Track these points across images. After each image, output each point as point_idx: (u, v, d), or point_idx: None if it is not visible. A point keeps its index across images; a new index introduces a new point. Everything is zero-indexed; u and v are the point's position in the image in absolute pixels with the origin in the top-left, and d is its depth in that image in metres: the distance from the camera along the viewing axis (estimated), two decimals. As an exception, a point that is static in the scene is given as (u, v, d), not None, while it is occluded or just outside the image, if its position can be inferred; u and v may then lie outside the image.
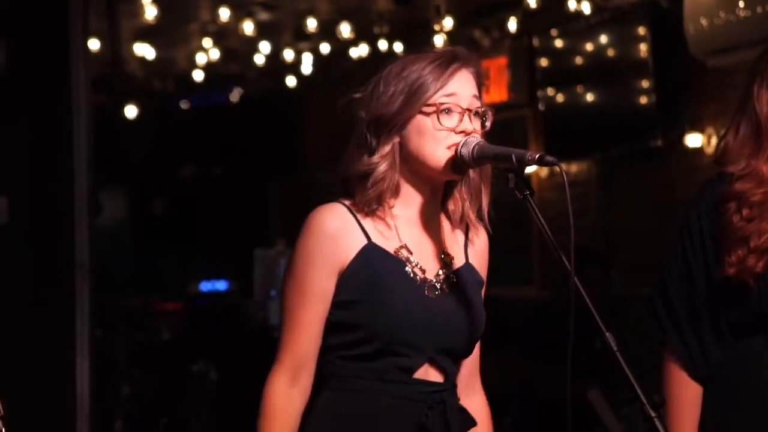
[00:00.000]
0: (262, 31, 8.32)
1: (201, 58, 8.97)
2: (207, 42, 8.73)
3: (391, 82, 2.40)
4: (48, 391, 4.77)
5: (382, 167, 2.39)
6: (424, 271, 2.43)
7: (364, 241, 2.39)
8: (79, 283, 4.88)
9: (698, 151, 6.89)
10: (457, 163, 2.38)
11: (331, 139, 3.77)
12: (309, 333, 2.39)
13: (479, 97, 2.43)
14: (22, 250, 4.83)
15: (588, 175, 7.84)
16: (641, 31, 7.19)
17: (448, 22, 7.74)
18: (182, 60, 9.32)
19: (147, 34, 8.39)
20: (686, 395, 2.77)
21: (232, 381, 7.15)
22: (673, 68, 6.95)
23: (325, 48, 8.71)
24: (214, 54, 8.88)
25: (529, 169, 2.35)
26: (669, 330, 2.78)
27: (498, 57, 8.31)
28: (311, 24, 8.04)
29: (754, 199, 2.68)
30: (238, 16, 7.96)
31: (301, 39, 8.68)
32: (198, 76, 9.38)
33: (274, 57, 8.92)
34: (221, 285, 9.62)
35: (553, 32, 7.89)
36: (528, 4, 7.46)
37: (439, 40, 7.69)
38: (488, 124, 2.43)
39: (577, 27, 7.68)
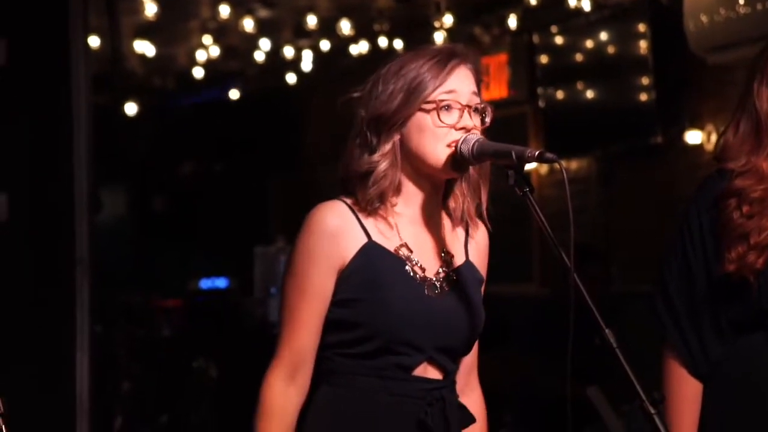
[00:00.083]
0: (262, 28, 8.32)
1: (201, 55, 8.97)
2: (207, 39, 8.72)
3: (390, 81, 2.40)
4: (48, 388, 4.77)
5: (383, 165, 2.39)
6: (424, 270, 2.43)
7: (365, 240, 2.39)
8: (79, 279, 4.88)
9: (698, 148, 6.89)
10: (457, 160, 2.38)
11: (331, 136, 3.76)
12: (308, 330, 2.39)
13: (478, 94, 2.43)
14: (22, 246, 4.83)
15: (588, 172, 7.84)
16: (641, 28, 7.19)
17: (448, 19, 7.73)
18: (182, 57, 9.32)
19: (147, 31, 8.39)
20: (686, 392, 2.77)
21: (232, 378, 7.16)
22: (673, 65, 6.95)
23: (325, 45, 8.71)
24: (214, 51, 8.87)
25: (529, 166, 2.35)
26: (669, 327, 2.78)
27: (498, 54, 8.31)
28: (311, 21, 8.04)
29: (754, 196, 2.68)
30: (238, 13, 7.96)
31: (301, 36, 8.67)
32: (198, 73, 9.37)
33: (274, 54, 8.92)
34: (221, 282, 9.63)
35: (553, 29, 7.88)
36: (528, 1, 7.46)
37: (439, 37, 7.69)
38: (488, 120, 2.43)
39: (577, 24, 7.67)
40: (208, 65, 9.22)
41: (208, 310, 8.66)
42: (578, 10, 7.37)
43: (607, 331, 2.23)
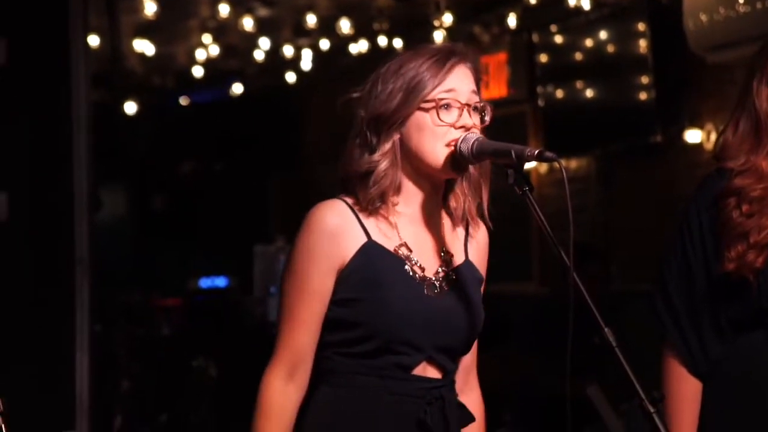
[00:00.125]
0: (262, 27, 8.33)
1: (201, 54, 8.97)
2: (207, 38, 8.73)
3: (389, 80, 2.40)
4: (47, 387, 4.77)
5: (384, 165, 2.39)
6: (423, 269, 2.43)
7: (364, 239, 2.39)
8: (79, 278, 4.88)
9: (698, 147, 6.89)
10: (457, 159, 2.38)
11: (331, 135, 3.77)
12: (307, 329, 2.39)
13: (478, 92, 2.43)
14: (22, 245, 4.83)
15: (587, 171, 7.84)
16: (641, 26, 7.19)
17: (447, 18, 7.73)
18: (182, 56, 9.32)
19: (147, 30, 8.39)
20: (686, 391, 2.77)
21: (232, 377, 7.16)
22: (672, 64, 6.95)
23: (324, 44, 8.71)
24: (214, 50, 8.88)
25: (529, 165, 2.35)
26: (668, 326, 2.78)
27: (497, 53, 8.31)
28: (311, 20, 8.04)
29: (754, 195, 2.68)
30: (237, 12, 7.96)
31: (301, 35, 8.68)
32: (198, 72, 9.38)
33: (274, 53, 8.92)
34: (221, 281, 9.64)
35: (553, 28, 7.89)
36: (527, 0, 7.46)
37: (438, 36, 7.69)
38: (487, 118, 2.43)
39: (576, 23, 7.68)
40: (208, 64, 9.23)
41: (208, 309, 8.67)
42: (578, 9, 7.38)
43: (606, 330, 2.23)
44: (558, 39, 7.92)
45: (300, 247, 2.40)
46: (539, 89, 8.04)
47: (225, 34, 8.63)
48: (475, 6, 8.02)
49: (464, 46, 2.47)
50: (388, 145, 2.40)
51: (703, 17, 6.04)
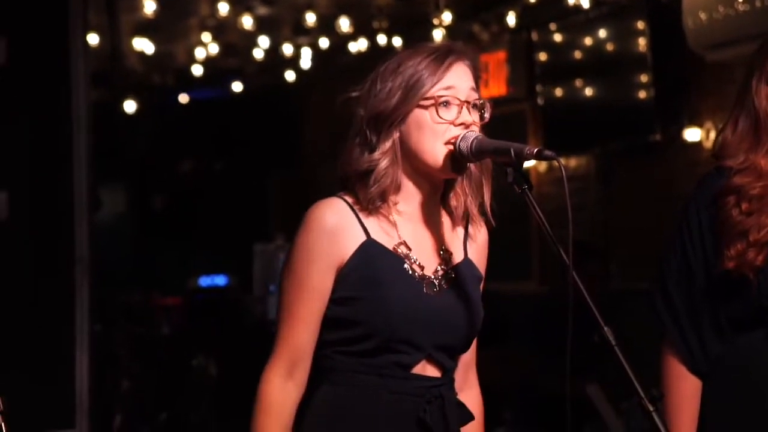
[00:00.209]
0: (261, 26, 8.32)
1: (200, 53, 8.97)
2: (206, 36, 8.72)
3: (388, 78, 2.40)
4: (47, 386, 4.77)
5: (384, 163, 2.39)
6: (422, 268, 2.43)
7: (363, 237, 2.39)
8: (79, 278, 4.88)
9: (697, 146, 6.89)
10: (456, 159, 2.38)
11: (331, 133, 3.77)
12: (306, 327, 2.39)
13: (477, 90, 2.43)
14: (22, 245, 4.83)
15: (587, 170, 7.84)
16: (640, 25, 7.19)
17: (447, 17, 7.73)
18: (181, 54, 9.32)
19: (146, 28, 8.39)
20: (685, 389, 2.77)
21: (232, 375, 7.17)
22: (671, 62, 6.95)
23: (324, 42, 8.71)
24: (213, 48, 8.87)
25: (528, 164, 2.35)
26: (668, 324, 2.78)
27: (497, 51, 8.30)
28: (310, 18, 8.04)
29: (753, 193, 2.68)
30: (237, 10, 7.96)
31: (300, 33, 8.68)
32: (197, 70, 9.38)
33: (273, 51, 8.92)
34: (220, 280, 9.65)
35: (552, 26, 7.88)
36: (527, -1, 7.47)
37: (438, 35, 7.69)
38: (487, 115, 2.43)
39: (576, 21, 7.67)
40: (208, 63, 9.23)
41: (208, 308, 8.67)
42: (577, 8, 7.37)
43: (606, 328, 2.23)
44: (557, 37, 7.92)
45: (299, 245, 2.40)
46: (538, 88, 8.03)
47: (224, 33, 8.63)
48: (474, 4, 8.02)
49: (463, 44, 2.47)
50: (388, 144, 2.40)
51: (703, 15, 6.04)
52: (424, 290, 2.41)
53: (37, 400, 4.55)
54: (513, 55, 8.25)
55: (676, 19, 6.30)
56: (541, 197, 5.82)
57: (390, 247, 2.40)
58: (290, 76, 9.56)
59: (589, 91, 7.79)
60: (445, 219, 2.51)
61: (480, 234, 2.54)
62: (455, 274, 2.46)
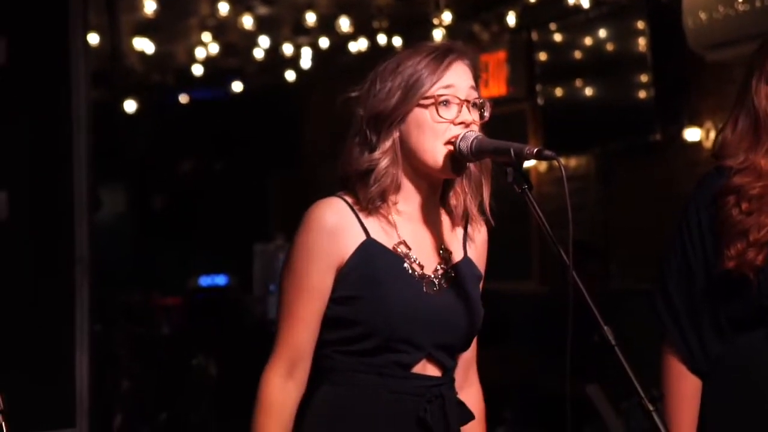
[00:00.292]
0: (261, 26, 8.32)
1: (200, 53, 8.97)
2: (206, 36, 8.72)
3: (388, 78, 2.41)
4: (47, 386, 4.77)
5: (384, 163, 2.39)
6: (422, 267, 2.43)
7: (363, 237, 2.39)
8: (79, 278, 4.88)
9: (697, 146, 6.89)
10: (456, 159, 2.38)
11: (331, 133, 3.77)
12: (306, 327, 2.40)
13: (476, 89, 2.44)
14: (22, 245, 4.82)
15: (587, 170, 7.84)
16: (640, 25, 7.19)
17: (447, 17, 7.73)
18: (181, 54, 9.32)
19: (146, 28, 8.39)
20: (685, 389, 2.77)
21: (232, 375, 7.17)
22: (671, 62, 6.95)
23: (324, 42, 8.71)
24: (214, 48, 8.87)
25: (528, 164, 2.35)
26: (668, 324, 2.78)
27: (497, 51, 8.30)
28: (310, 18, 8.04)
29: (753, 193, 2.69)
30: (237, 10, 7.96)
31: (300, 33, 8.68)
32: (197, 70, 9.38)
33: (273, 51, 8.92)
34: (221, 280, 9.65)
35: (552, 26, 7.88)
36: (527, -1, 7.47)
37: (438, 35, 7.69)
38: (486, 115, 2.44)
39: (576, 21, 7.68)
40: (208, 62, 9.23)
41: (208, 308, 8.67)
42: (577, 8, 7.37)
43: (606, 328, 2.23)
44: (557, 37, 7.92)
45: (299, 245, 2.40)
46: (538, 87, 8.03)
47: (224, 33, 8.63)
48: (474, 4, 8.02)
49: (462, 43, 2.48)
50: (388, 143, 2.40)
51: (703, 15, 6.04)
52: (424, 289, 2.41)
53: (37, 399, 4.55)
54: (513, 55, 8.25)
55: (676, 19, 6.30)
56: (541, 197, 5.82)
57: (390, 246, 2.41)
58: (290, 76, 9.57)
59: (589, 91, 7.79)
60: (445, 218, 2.51)
61: (479, 233, 2.54)
62: (455, 273, 2.46)
